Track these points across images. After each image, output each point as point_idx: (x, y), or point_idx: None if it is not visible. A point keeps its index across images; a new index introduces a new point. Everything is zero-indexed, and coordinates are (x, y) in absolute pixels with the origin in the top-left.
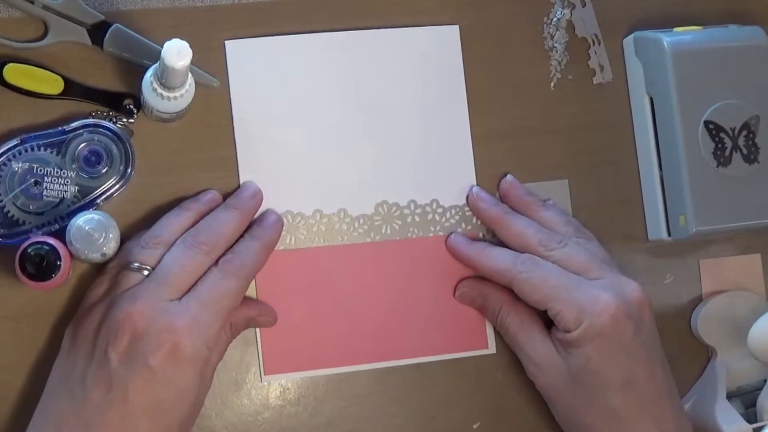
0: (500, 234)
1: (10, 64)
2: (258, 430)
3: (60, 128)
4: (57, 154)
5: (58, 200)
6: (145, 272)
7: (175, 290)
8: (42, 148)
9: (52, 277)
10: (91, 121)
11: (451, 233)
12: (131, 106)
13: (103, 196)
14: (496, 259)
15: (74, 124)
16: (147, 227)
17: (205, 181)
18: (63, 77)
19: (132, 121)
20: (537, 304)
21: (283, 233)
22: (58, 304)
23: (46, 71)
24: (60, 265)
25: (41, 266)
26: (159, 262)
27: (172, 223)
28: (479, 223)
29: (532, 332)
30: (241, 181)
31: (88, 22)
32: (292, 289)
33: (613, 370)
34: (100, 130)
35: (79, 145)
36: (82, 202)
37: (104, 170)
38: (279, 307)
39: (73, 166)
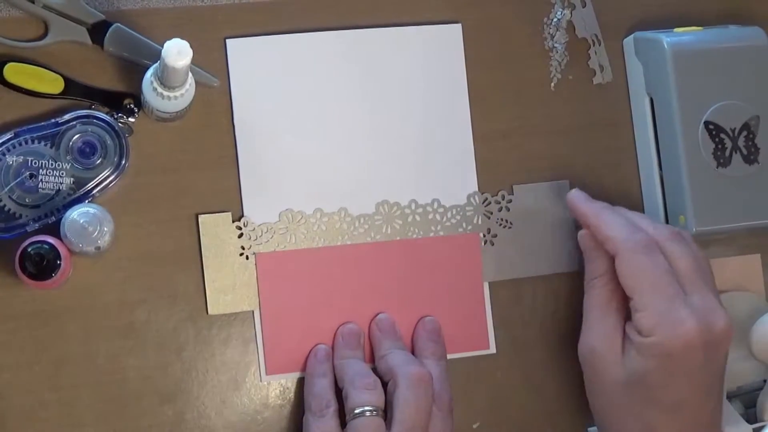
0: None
1: (11, 64)
2: (258, 429)
3: (53, 120)
4: (51, 147)
5: (53, 192)
6: None
7: None
8: (36, 141)
9: (53, 276)
10: (84, 112)
11: (573, 189)
12: (132, 106)
13: (99, 188)
14: (612, 224)
15: (67, 116)
16: (147, 226)
17: (205, 180)
18: (63, 77)
19: (132, 120)
20: (626, 288)
21: (283, 232)
22: (59, 303)
23: (47, 71)
24: (60, 264)
25: (41, 265)
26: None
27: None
28: (480, 223)
29: (610, 316)
30: (242, 180)
31: (89, 21)
32: (293, 290)
33: (668, 392)
34: (94, 121)
35: (72, 137)
36: (78, 194)
37: (99, 161)
38: (280, 307)
39: (68, 157)
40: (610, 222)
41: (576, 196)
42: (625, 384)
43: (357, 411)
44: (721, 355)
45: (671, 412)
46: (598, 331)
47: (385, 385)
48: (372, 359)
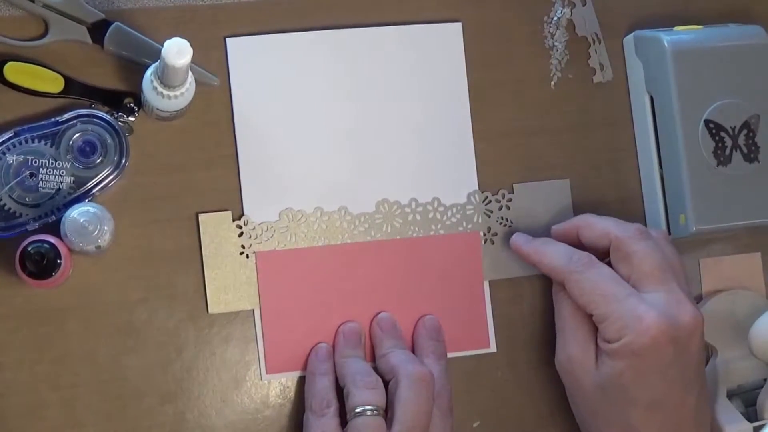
0: (584, 235)
1: (11, 63)
2: (258, 428)
3: (53, 119)
4: (51, 146)
5: (54, 191)
6: None
7: None
8: (36, 140)
9: (53, 275)
10: (84, 111)
11: (514, 234)
12: (132, 105)
13: (99, 187)
14: (552, 256)
15: (67, 115)
16: (147, 225)
17: (205, 180)
18: (63, 76)
19: (132, 119)
20: (584, 307)
21: (283, 231)
22: (59, 303)
23: (47, 70)
24: (60, 263)
25: (41, 264)
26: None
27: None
28: (480, 221)
29: (581, 327)
30: (242, 179)
31: (89, 20)
32: (293, 288)
33: (642, 390)
34: (94, 120)
35: (73, 136)
36: (78, 193)
37: (99, 160)
38: (280, 306)
39: (68, 156)
40: (549, 255)
41: (517, 241)
42: (603, 388)
43: (358, 410)
44: (694, 348)
45: (650, 410)
46: (573, 340)
47: (385, 384)
48: (372, 358)
